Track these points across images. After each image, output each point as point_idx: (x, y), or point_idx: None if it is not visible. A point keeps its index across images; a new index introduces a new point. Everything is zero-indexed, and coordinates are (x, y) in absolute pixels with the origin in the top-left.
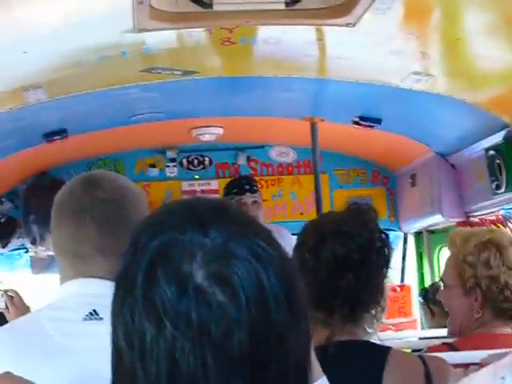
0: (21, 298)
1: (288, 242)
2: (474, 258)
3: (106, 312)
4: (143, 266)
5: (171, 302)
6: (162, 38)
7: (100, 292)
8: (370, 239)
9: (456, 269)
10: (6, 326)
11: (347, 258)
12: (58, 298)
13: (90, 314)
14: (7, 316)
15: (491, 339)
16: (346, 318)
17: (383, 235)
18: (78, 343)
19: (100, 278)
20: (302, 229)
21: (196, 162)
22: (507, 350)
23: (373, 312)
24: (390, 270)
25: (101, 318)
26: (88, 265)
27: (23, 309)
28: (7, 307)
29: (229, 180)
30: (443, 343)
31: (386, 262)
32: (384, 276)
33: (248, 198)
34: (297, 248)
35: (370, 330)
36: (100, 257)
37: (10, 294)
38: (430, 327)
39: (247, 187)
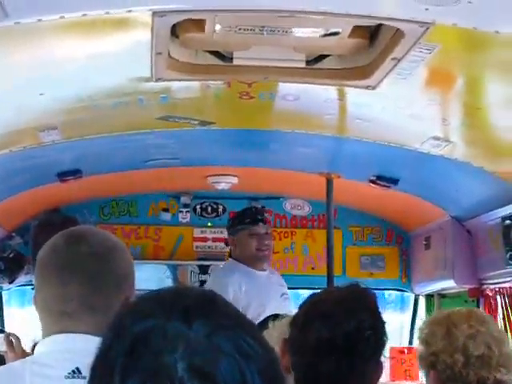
0: (20, 344)
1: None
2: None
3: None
4: (123, 352)
5: None
6: (180, 88)
7: (85, 348)
8: (357, 327)
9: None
10: None
11: (331, 342)
12: (42, 351)
13: (73, 371)
14: (6, 360)
15: None
16: None
17: (378, 324)
18: None
19: (86, 333)
20: (301, 304)
21: (210, 209)
22: None
23: None
24: (382, 361)
25: (84, 377)
26: (74, 321)
27: (22, 355)
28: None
29: (238, 211)
30: None
31: (374, 352)
32: (373, 368)
33: (261, 229)
34: (291, 323)
35: None
36: (87, 314)
37: (11, 338)
38: None
39: (260, 217)
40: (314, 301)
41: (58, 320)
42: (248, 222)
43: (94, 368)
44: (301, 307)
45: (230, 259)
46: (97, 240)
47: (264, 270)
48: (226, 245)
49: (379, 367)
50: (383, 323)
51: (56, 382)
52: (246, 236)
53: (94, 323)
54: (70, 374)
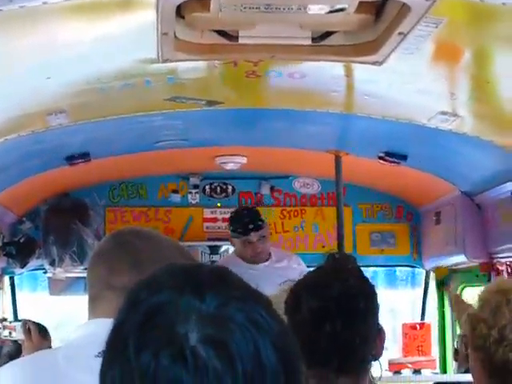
0: (37, 332)
1: (303, 267)
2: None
3: None
4: (136, 324)
5: (165, 366)
6: (187, 69)
7: None
8: (342, 288)
9: None
10: (20, 360)
11: (322, 309)
12: (75, 336)
13: (103, 351)
14: (23, 348)
15: None
16: (339, 371)
17: (363, 284)
18: (88, 377)
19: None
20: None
21: (219, 189)
22: None
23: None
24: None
25: None
26: (99, 302)
27: (38, 343)
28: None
29: (233, 213)
30: None
31: (367, 311)
32: (370, 324)
33: (253, 237)
34: (285, 312)
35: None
36: (107, 291)
37: (28, 325)
38: None
39: (251, 226)
40: (299, 281)
41: (89, 305)
42: (240, 232)
43: (110, 340)
44: (288, 294)
45: (231, 253)
46: (134, 232)
47: (265, 261)
48: None
49: (381, 333)
50: (369, 285)
51: (87, 360)
52: (240, 243)
53: (116, 300)
54: (99, 353)
